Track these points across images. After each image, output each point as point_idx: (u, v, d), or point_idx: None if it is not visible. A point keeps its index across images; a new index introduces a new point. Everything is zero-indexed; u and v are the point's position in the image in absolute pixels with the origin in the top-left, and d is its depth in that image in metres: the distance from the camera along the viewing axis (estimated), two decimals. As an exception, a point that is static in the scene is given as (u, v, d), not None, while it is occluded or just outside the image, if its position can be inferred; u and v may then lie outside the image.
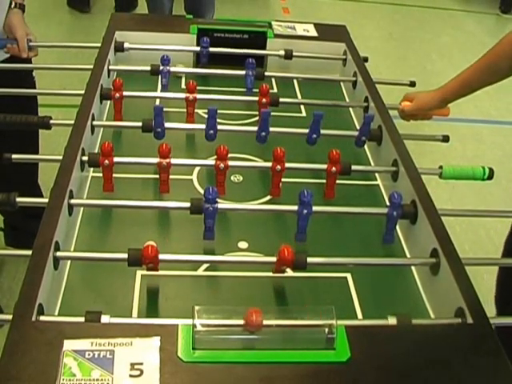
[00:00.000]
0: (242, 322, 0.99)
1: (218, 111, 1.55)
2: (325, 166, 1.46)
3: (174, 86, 1.89)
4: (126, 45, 1.95)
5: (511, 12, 5.70)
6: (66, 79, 2.47)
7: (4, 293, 2.34)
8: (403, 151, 1.53)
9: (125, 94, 1.68)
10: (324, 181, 1.49)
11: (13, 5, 1.87)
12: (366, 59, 2.06)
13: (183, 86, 1.94)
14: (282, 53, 2.02)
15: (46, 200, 1.25)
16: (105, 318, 1.04)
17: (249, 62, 1.88)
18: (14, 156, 1.45)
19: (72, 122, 1.51)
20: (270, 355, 0.98)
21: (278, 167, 1.43)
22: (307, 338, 1.02)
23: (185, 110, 1.72)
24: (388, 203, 1.38)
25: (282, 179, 1.51)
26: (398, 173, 1.50)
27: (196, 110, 1.74)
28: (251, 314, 0.99)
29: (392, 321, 1.10)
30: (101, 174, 1.45)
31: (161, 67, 1.82)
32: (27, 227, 2.13)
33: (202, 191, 1.47)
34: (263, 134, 1.55)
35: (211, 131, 1.55)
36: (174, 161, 1.44)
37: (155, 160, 1.41)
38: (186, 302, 1.16)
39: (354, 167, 1.49)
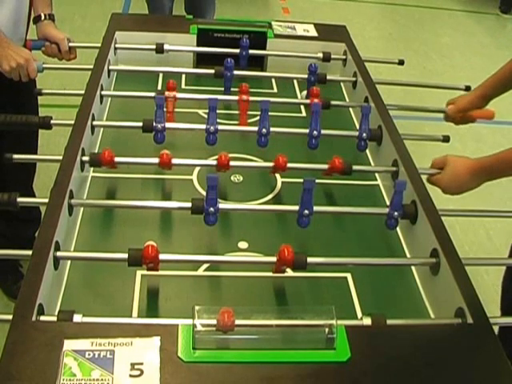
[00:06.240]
0: (214, 321, 0.99)
1: (219, 111, 1.55)
2: (325, 166, 1.49)
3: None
4: (167, 46, 1.95)
5: (511, 12, 5.70)
6: (66, 79, 2.48)
7: (4, 293, 2.34)
8: (403, 151, 1.53)
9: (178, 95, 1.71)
10: (325, 181, 1.50)
11: (43, 17, 1.91)
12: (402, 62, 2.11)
13: (183, 86, 1.94)
14: (320, 55, 2.03)
15: (46, 200, 1.25)
16: (77, 317, 1.04)
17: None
18: (14, 156, 1.46)
19: (72, 122, 1.51)
20: (270, 355, 0.98)
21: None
22: (307, 338, 1.02)
23: (184, 110, 1.72)
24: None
25: (282, 179, 1.56)
26: (397, 173, 1.50)
27: (196, 110, 1.75)
28: (223, 315, 0.99)
29: (367, 321, 1.10)
30: (101, 175, 1.48)
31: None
32: (22, 232, 2.13)
33: (202, 191, 1.48)
34: (264, 130, 1.55)
35: (211, 136, 1.55)
36: (174, 161, 1.44)
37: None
38: (186, 301, 1.16)
39: (354, 167, 1.49)
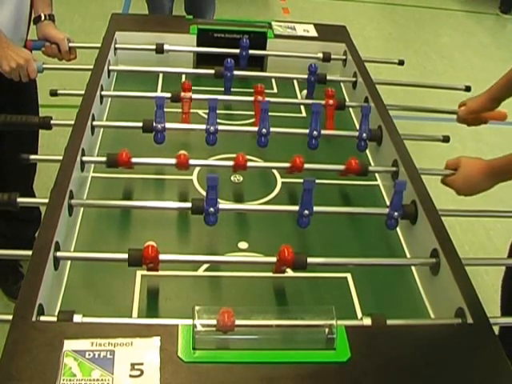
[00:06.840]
0: (214, 322, 0.99)
1: (219, 111, 1.55)
2: (341, 167, 1.50)
3: (174, 86, 1.89)
4: (166, 46, 1.95)
5: (511, 12, 5.70)
6: (66, 79, 2.47)
7: (4, 293, 2.34)
8: (403, 151, 1.53)
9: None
10: (325, 181, 1.49)
11: (43, 17, 1.91)
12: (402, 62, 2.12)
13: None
14: (320, 55, 2.03)
15: (46, 200, 1.25)
16: (77, 318, 1.04)
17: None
18: (31, 157, 1.47)
19: (72, 122, 1.51)
20: (270, 355, 0.99)
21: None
22: (307, 338, 1.02)
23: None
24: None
25: (282, 179, 1.55)
26: (397, 173, 1.50)
27: (196, 110, 1.74)
28: (223, 315, 0.99)
29: (367, 321, 1.10)
30: (101, 175, 1.49)
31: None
32: (22, 233, 2.13)
33: (202, 191, 1.48)
34: (264, 130, 1.55)
35: (211, 136, 1.55)
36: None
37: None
38: (186, 302, 1.16)
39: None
